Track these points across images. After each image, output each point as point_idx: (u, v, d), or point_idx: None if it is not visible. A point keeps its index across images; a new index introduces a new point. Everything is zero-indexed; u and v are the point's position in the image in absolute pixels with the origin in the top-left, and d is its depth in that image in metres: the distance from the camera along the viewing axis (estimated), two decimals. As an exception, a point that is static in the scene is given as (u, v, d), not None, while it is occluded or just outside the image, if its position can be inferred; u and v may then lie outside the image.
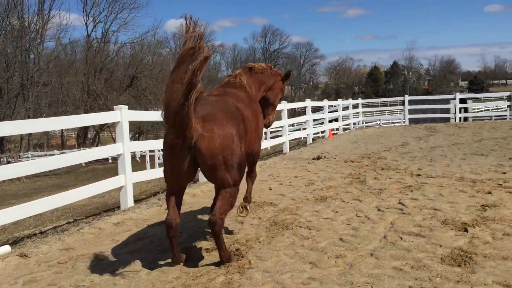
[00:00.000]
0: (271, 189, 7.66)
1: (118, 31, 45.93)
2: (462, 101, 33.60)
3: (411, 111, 28.06)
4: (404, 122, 23.40)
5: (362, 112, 25.19)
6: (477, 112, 39.79)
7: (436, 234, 4.68)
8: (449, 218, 5.16)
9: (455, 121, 22.35)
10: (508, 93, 22.50)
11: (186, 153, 3.88)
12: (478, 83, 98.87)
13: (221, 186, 4.10)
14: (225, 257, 4.16)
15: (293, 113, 48.11)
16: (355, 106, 23.16)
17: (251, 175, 5.35)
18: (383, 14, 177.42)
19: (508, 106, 24.08)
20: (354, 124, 23.49)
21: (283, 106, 13.37)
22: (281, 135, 15.11)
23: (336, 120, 21.31)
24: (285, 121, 13.68)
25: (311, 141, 16.02)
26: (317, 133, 21.69)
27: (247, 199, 5.39)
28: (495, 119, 25.44)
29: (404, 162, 9.74)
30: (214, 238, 4.13)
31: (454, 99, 22.50)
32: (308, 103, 16.53)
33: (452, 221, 5.06)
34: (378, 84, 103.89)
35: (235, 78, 5.16)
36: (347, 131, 20.66)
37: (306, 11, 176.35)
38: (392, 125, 25.18)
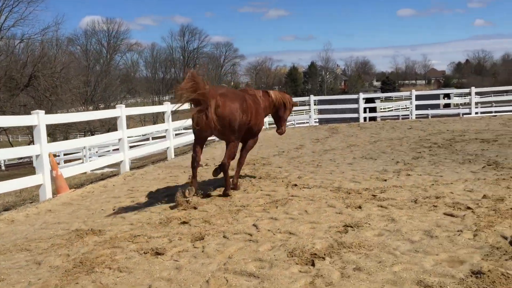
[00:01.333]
0: (114, 210, 6.36)
1: (15, 26, 41.95)
2: (370, 100, 34.31)
3: (320, 111, 27.94)
4: (310, 122, 23.00)
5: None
6: (388, 111, 41.03)
7: (273, 273, 3.67)
8: (299, 247, 4.20)
9: (360, 121, 22.31)
10: (408, 93, 22.81)
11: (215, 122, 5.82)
12: (390, 83, 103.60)
13: (227, 140, 6.46)
14: (229, 187, 6.57)
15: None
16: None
17: (247, 146, 7.21)
18: (303, 15, 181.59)
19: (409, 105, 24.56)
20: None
21: (165, 108, 12.13)
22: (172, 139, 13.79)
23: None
24: (169, 125, 12.39)
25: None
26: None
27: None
28: (402, 118, 25.91)
29: (287, 169, 8.88)
30: (224, 174, 6.43)
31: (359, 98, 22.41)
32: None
33: (301, 250, 4.10)
34: (297, 84, 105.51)
35: (250, 89, 7.35)
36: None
37: (228, 10, 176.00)
38: (303, 125, 24.76)
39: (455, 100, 34.62)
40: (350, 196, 6.18)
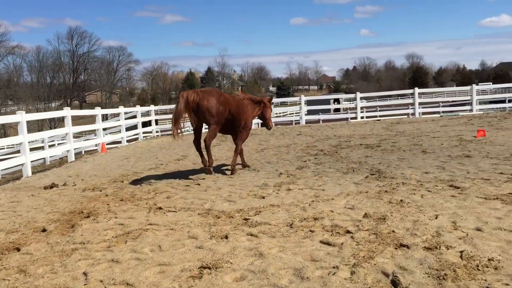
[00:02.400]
0: None
1: None
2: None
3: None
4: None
5: (159, 120, 23.13)
6: (282, 116, 41.33)
7: None
8: (132, 309, 3.12)
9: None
10: (297, 98, 22.81)
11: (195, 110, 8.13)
12: (284, 88, 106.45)
13: (208, 125, 8.38)
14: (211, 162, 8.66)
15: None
16: (156, 113, 20.94)
17: (239, 137, 9.06)
18: (201, 21, 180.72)
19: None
20: (150, 132, 21.32)
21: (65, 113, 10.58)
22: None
23: (135, 127, 18.98)
24: (69, 129, 10.57)
25: (73, 159, 13.14)
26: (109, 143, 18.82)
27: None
28: (294, 123, 25.95)
29: (158, 186, 7.74)
30: (206, 149, 8.39)
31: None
32: (98, 111, 14.48)
33: (132, 315, 3.02)
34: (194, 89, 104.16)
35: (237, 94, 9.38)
36: (133, 142, 18.26)
37: (122, 15, 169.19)
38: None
39: (344, 104, 35.91)
40: (219, 221, 5.23)
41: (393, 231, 4.43)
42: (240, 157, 9.41)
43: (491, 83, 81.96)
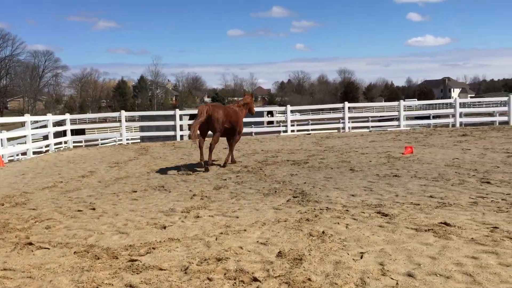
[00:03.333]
0: None
1: None
2: (193, 117, 33.00)
3: (142, 128, 25.48)
4: (121, 140, 20.46)
5: (77, 130, 21.29)
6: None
7: None
8: None
9: (177, 139, 20.54)
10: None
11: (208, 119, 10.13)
12: (219, 99, 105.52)
13: (214, 132, 10.33)
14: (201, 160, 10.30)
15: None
16: (74, 122, 19.16)
17: (233, 140, 11.30)
18: (136, 29, 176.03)
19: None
20: (65, 143, 19.50)
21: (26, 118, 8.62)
22: None
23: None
24: (29, 131, 8.83)
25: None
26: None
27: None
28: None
29: (40, 213, 6.43)
30: (209, 151, 10.56)
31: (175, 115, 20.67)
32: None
33: None
34: (126, 98, 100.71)
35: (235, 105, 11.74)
36: (41, 155, 16.46)
37: (52, 18, 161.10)
38: (113, 145, 22.01)
39: (278, 117, 35.53)
40: (96, 264, 4.11)
41: (309, 279, 3.56)
42: (227, 154, 11.48)
43: (416, 99, 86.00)
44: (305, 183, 8.11)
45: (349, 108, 20.32)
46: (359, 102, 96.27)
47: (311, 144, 15.54)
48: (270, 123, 39.13)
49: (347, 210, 5.83)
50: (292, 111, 21.23)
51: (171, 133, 20.70)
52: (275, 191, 7.41)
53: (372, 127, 22.83)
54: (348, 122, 20.88)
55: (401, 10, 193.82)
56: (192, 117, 31.83)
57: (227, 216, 5.84)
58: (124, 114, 19.71)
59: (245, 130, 30.17)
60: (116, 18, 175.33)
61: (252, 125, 29.94)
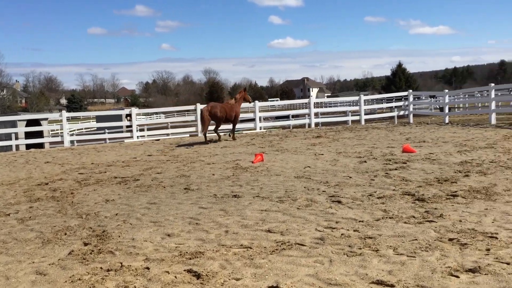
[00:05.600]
0: None
1: None
2: (33, 122, 28.28)
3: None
4: None
5: None
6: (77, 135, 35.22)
7: None
8: None
9: (13, 150, 16.92)
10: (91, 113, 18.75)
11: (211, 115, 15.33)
12: (76, 101, 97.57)
13: (216, 122, 15.77)
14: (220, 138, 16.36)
15: None
16: None
17: (233, 125, 16.52)
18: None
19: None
20: None
21: None
22: None
23: None
24: None
25: None
26: None
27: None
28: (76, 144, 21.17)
29: None
30: (216, 132, 16.16)
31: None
32: None
33: None
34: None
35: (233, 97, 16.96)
36: None
37: None
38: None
39: (142, 120, 32.43)
40: None
41: None
42: (233, 132, 16.93)
43: (278, 99, 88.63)
44: (116, 214, 6.08)
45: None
46: (224, 102, 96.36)
47: (156, 153, 13.50)
48: (129, 127, 35.75)
49: (148, 268, 3.96)
50: (152, 114, 18.94)
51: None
52: (65, 233, 5.27)
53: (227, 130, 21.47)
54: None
55: (264, 13, 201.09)
56: (30, 123, 27.50)
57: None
58: None
59: (99, 137, 26.69)
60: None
61: (106, 130, 25.86)
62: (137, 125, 17.94)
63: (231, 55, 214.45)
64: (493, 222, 4.76)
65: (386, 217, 5.16)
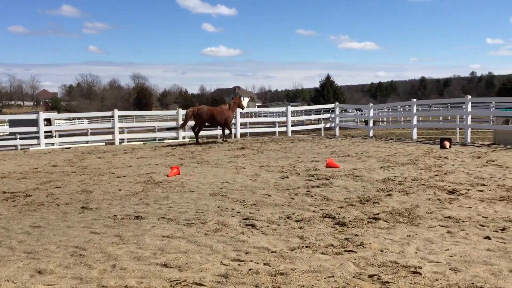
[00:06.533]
0: None
1: None
2: None
3: None
4: None
5: None
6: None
7: None
8: None
9: None
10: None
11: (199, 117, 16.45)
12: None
13: (197, 123, 16.92)
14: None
15: None
16: None
17: (226, 128, 17.27)
18: None
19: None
20: None
21: None
22: None
23: None
24: None
25: None
26: None
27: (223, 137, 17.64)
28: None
29: None
30: (195, 134, 17.24)
31: None
32: None
33: None
34: None
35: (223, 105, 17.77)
36: None
37: None
38: None
39: (62, 126, 30.02)
40: None
41: None
42: (224, 135, 17.65)
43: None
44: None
45: (119, 116, 17.39)
46: (153, 108, 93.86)
47: (62, 163, 12.20)
48: (48, 133, 33.16)
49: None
50: (74, 119, 17.32)
51: None
52: None
53: (150, 139, 20.35)
54: (119, 134, 17.86)
55: (197, 20, 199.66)
56: None
57: None
58: None
59: (14, 142, 23.74)
60: None
61: (17, 136, 22.90)
62: (55, 130, 16.30)
63: (162, 61, 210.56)
64: (416, 253, 4.29)
65: (303, 246, 4.55)
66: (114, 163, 12.12)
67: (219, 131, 19.73)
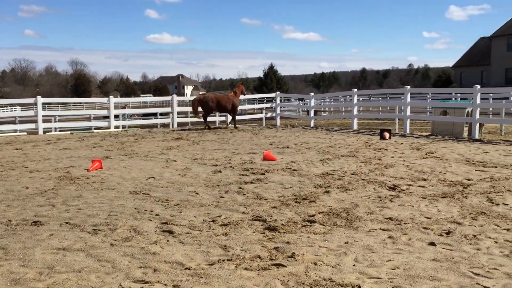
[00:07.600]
0: None
1: None
2: None
3: None
4: None
5: None
6: None
7: None
8: None
9: None
10: None
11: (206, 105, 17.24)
12: None
13: (205, 111, 17.80)
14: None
15: None
16: None
17: (233, 115, 18.22)
18: None
19: None
20: None
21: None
22: None
23: None
24: None
25: None
26: None
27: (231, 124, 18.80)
28: None
29: None
30: (204, 119, 18.16)
31: None
32: None
33: None
34: None
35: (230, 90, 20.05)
36: None
37: None
38: None
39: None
40: None
41: None
42: (234, 122, 18.28)
43: (151, 95, 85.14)
44: None
45: (43, 104, 15.90)
46: (92, 96, 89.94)
47: (-30, 156, 10.80)
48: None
49: None
50: (7, 105, 15.52)
51: None
52: None
53: (77, 128, 18.93)
54: (42, 123, 16.33)
55: (140, 6, 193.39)
56: None
57: None
58: None
59: None
60: None
61: None
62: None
63: (104, 47, 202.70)
64: (354, 266, 3.70)
65: (224, 259, 3.85)
66: (31, 155, 10.90)
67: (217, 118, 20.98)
